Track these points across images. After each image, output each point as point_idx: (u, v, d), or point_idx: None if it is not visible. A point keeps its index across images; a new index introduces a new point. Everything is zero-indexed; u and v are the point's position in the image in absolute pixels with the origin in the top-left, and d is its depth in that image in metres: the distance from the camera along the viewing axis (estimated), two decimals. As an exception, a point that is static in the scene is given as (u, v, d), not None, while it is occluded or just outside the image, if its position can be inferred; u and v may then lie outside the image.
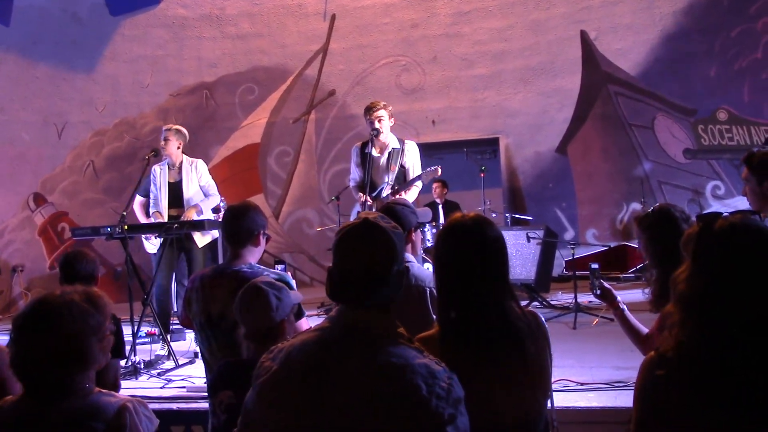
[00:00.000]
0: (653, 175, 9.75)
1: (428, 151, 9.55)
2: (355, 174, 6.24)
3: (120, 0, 10.92)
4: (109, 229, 5.59)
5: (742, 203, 7.63)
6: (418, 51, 10.75)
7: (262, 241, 3.44)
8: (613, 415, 3.49)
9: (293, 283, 3.26)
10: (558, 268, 8.47)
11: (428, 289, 2.98)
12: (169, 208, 6.32)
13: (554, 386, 2.71)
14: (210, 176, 6.52)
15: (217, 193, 6.49)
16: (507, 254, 2.18)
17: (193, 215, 6.16)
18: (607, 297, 3.32)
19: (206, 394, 2.76)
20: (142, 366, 5.07)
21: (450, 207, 9.36)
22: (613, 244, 9.41)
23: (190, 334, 4.87)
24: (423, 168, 6.16)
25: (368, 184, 5.84)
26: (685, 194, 9.49)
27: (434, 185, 9.57)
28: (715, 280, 1.65)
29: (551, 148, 10.23)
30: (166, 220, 6.18)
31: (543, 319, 2.22)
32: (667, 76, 9.68)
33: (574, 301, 6.27)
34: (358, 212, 5.75)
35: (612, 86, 9.98)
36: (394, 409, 1.67)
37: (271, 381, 1.81)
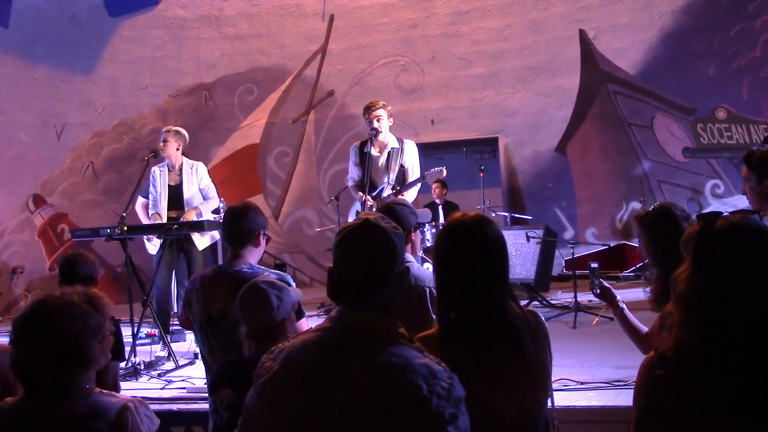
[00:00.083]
0: (652, 174, 9.75)
1: (427, 151, 9.56)
2: (353, 173, 6.24)
3: (118, 1, 10.93)
4: (108, 231, 5.59)
5: (741, 202, 7.63)
6: (416, 51, 10.75)
7: (263, 241, 3.44)
8: (613, 414, 3.50)
9: (293, 284, 3.26)
10: (558, 267, 8.47)
11: (428, 289, 2.98)
12: (168, 210, 6.32)
13: (554, 385, 2.71)
14: (210, 179, 6.52)
15: (216, 196, 6.49)
16: (507, 254, 2.18)
17: (192, 217, 6.16)
18: (607, 296, 3.31)
19: (206, 395, 2.76)
20: (142, 367, 5.07)
21: (449, 208, 9.36)
22: (612, 243, 9.41)
23: (190, 335, 4.87)
24: (422, 167, 6.16)
25: (368, 184, 5.84)
26: (685, 193, 9.49)
27: (434, 186, 9.58)
28: (715, 279, 1.65)
29: (550, 148, 10.23)
30: (165, 222, 6.19)
31: (543, 318, 2.22)
32: (666, 75, 9.68)
33: (573, 300, 6.27)
34: (358, 212, 5.79)
35: (611, 85, 9.98)
36: (395, 409, 1.67)
37: (271, 381, 1.81)
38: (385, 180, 6.02)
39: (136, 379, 4.91)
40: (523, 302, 2.18)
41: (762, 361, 1.58)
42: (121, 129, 11.02)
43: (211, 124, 11.08)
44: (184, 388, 4.57)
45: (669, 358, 1.68)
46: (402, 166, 6.04)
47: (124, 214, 5.64)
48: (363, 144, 6.14)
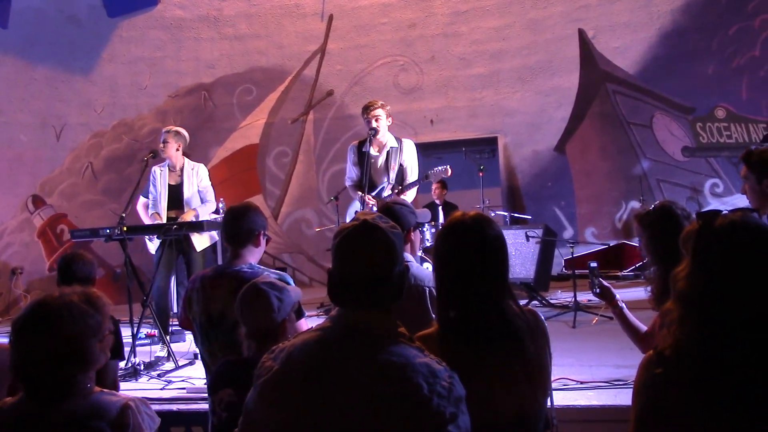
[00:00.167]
0: (652, 174, 9.75)
1: (427, 151, 9.56)
2: (351, 173, 6.22)
3: (117, 1, 10.92)
4: (108, 231, 5.59)
5: (740, 201, 7.64)
6: (415, 51, 10.75)
7: (263, 241, 3.44)
8: (612, 414, 3.50)
9: (293, 284, 3.26)
10: (557, 266, 8.47)
11: (427, 289, 2.98)
12: (168, 209, 6.31)
13: (554, 385, 2.72)
14: (210, 183, 6.50)
15: (214, 200, 6.47)
16: (507, 253, 2.18)
17: (190, 218, 6.16)
18: (607, 295, 3.32)
19: (206, 395, 2.76)
20: (142, 367, 5.07)
21: (449, 208, 9.36)
22: (612, 243, 9.41)
23: (190, 336, 4.87)
24: (420, 167, 6.15)
25: (367, 183, 5.84)
26: (684, 192, 9.49)
27: (434, 186, 9.57)
28: (714, 277, 1.65)
29: (550, 147, 10.23)
30: (164, 221, 6.18)
31: (542, 317, 2.22)
32: (665, 74, 9.68)
33: (573, 299, 6.27)
34: (357, 212, 5.79)
35: (610, 85, 9.98)
36: (396, 408, 1.67)
37: (272, 381, 1.81)
38: (385, 180, 6.02)
39: (136, 380, 4.91)
40: (522, 302, 2.19)
41: (761, 359, 1.58)
42: (120, 129, 11.01)
43: (210, 125, 11.07)
44: (183, 388, 4.56)
45: (668, 357, 1.68)
46: (401, 165, 6.03)
47: (124, 215, 5.63)
48: (361, 144, 6.13)
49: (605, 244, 9.32)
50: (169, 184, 6.35)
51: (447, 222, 2.25)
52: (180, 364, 5.27)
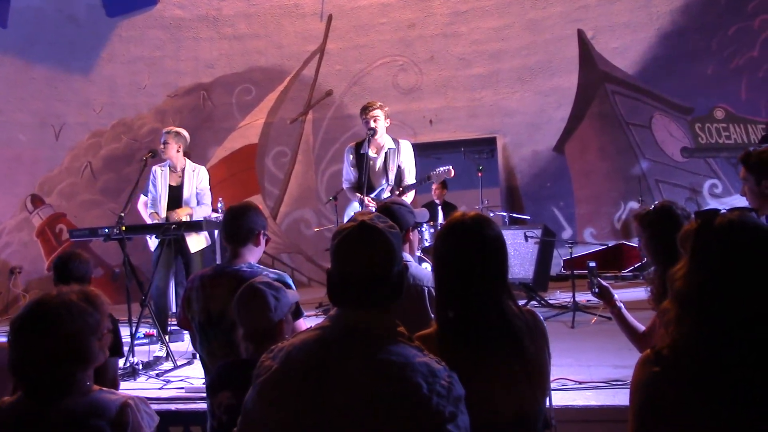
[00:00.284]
0: (651, 174, 9.75)
1: (426, 151, 9.56)
2: (349, 175, 6.21)
3: (117, 1, 10.92)
4: (107, 231, 5.58)
5: (739, 202, 7.64)
6: (415, 51, 10.75)
7: (262, 241, 3.44)
8: (611, 414, 3.50)
9: (292, 284, 3.26)
10: (556, 267, 8.46)
11: (426, 289, 2.98)
12: (167, 210, 6.31)
13: (553, 385, 2.72)
14: (209, 186, 6.48)
15: (210, 204, 6.46)
16: (507, 253, 2.18)
17: (184, 215, 6.15)
18: (605, 295, 3.32)
19: (205, 394, 2.76)
20: (141, 367, 5.07)
21: (448, 208, 9.36)
22: (611, 243, 9.41)
23: (189, 335, 4.88)
24: (417, 167, 6.15)
25: (365, 185, 5.83)
26: (683, 193, 9.49)
27: (434, 186, 9.56)
28: (712, 276, 1.65)
29: (549, 147, 10.23)
30: (163, 221, 6.18)
31: (541, 318, 2.23)
32: (665, 74, 9.68)
33: (572, 300, 6.27)
34: (355, 213, 5.78)
35: (609, 85, 9.98)
36: (395, 407, 1.68)
37: (271, 380, 1.81)
38: (384, 181, 6.01)
39: (135, 379, 4.91)
40: (521, 302, 2.19)
41: (759, 358, 1.58)
42: (119, 129, 11.01)
43: (209, 124, 11.07)
44: (182, 388, 4.56)
45: (666, 356, 1.68)
46: (399, 166, 6.03)
47: (123, 214, 5.63)
48: (358, 145, 6.13)
49: (604, 245, 9.32)
50: (169, 185, 6.35)
51: (447, 222, 2.25)
52: (178, 363, 5.27)
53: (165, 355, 5.44)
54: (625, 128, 9.92)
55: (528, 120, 10.30)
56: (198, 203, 6.36)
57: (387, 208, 3.19)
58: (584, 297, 6.55)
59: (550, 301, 7.22)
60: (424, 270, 3.23)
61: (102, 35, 10.95)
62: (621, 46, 9.92)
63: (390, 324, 1.84)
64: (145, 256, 6.75)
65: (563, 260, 8.90)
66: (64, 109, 10.80)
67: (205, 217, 6.26)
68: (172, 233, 5.71)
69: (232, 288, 3.00)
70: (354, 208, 6.15)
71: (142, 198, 6.53)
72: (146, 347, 5.74)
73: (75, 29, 10.81)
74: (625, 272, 8.86)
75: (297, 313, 3.06)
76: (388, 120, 6.05)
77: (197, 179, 6.39)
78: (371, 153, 6.00)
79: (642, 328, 3.22)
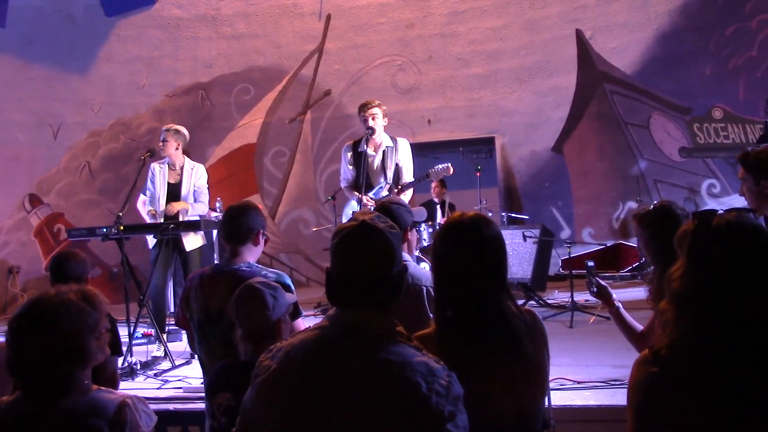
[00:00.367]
0: (649, 174, 9.76)
1: (424, 151, 9.56)
2: (347, 174, 6.19)
3: (115, 1, 10.91)
4: (105, 230, 5.58)
5: (737, 202, 7.65)
6: (413, 51, 10.76)
7: (261, 240, 3.43)
8: (609, 414, 3.50)
9: (291, 283, 3.26)
10: (554, 267, 8.47)
11: (425, 288, 2.98)
12: (166, 207, 6.30)
13: (551, 385, 2.72)
14: (207, 185, 6.47)
15: (207, 203, 6.45)
16: (506, 253, 2.18)
17: (179, 208, 6.14)
18: (604, 295, 3.32)
19: (203, 394, 2.76)
20: (139, 367, 5.06)
21: (447, 207, 9.36)
22: (609, 243, 9.42)
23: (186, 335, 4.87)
24: (416, 167, 6.15)
25: (364, 183, 5.82)
26: (681, 193, 9.50)
27: (433, 185, 9.56)
28: (710, 277, 1.65)
29: (547, 147, 10.24)
30: (162, 219, 6.18)
31: (540, 317, 2.23)
32: (663, 74, 9.69)
33: (570, 299, 6.27)
34: (354, 212, 5.78)
35: (607, 85, 9.99)
36: (394, 407, 1.67)
37: (270, 380, 1.80)
38: (382, 180, 6.01)
39: (133, 379, 4.90)
40: (519, 302, 2.19)
41: (757, 358, 1.58)
42: (117, 128, 11.00)
43: (207, 124, 11.07)
44: (180, 387, 4.56)
45: (664, 356, 1.68)
46: (396, 164, 6.03)
47: (121, 214, 5.62)
48: (356, 144, 6.12)
49: (602, 245, 9.33)
50: (168, 182, 6.34)
51: (446, 222, 2.25)
52: (177, 363, 5.26)
53: (163, 354, 5.44)
54: (624, 128, 9.93)
55: (526, 120, 10.31)
56: (195, 200, 6.35)
57: (385, 208, 3.19)
58: (582, 297, 6.55)
59: (549, 301, 7.22)
60: (422, 269, 3.22)
61: (100, 35, 10.95)
62: (619, 46, 9.93)
63: (389, 324, 1.84)
64: (144, 256, 6.74)
65: (561, 260, 8.91)
66: (62, 108, 10.79)
67: (202, 216, 6.25)
68: (170, 233, 5.70)
69: (230, 287, 3.00)
70: (352, 206, 6.14)
71: (142, 197, 6.52)
72: (144, 347, 5.73)
73: (73, 29, 10.81)
74: (623, 272, 8.87)
75: (295, 313, 3.06)
76: (386, 119, 6.05)
77: (195, 177, 6.38)
78: (369, 151, 6.00)
79: (640, 327, 3.22)
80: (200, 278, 3.34)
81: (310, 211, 10.91)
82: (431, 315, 2.33)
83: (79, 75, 10.87)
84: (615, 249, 9.36)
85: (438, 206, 9.39)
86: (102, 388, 2.11)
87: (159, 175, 6.34)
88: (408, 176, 6.04)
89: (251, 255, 3.40)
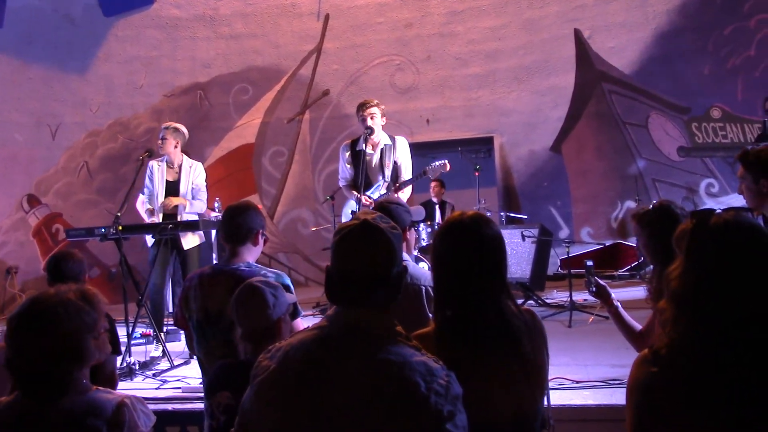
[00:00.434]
0: (647, 173, 9.77)
1: (423, 150, 9.56)
2: (345, 173, 6.18)
3: (113, 1, 10.90)
4: (103, 230, 5.57)
5: (736, 201, 7.66)
6: (412, 50, 10.76)
7: (261, 241, 3.43)
8: (608, 413, 3.50)
9: (290, 283, 3.25)
10: (553, 266, 8.47)
11: (423, 288, 2.98)
12: (164, 200, 6.28)
13: (550, 384, 2.72)
14: (205, 183, 6.45)
15: (205, 201, 6.43)
16: (505, 252, 2.18)
17: (177, 202, 6.13)
18: (602, 294, 3.32)
19: (201, 394, 2.75)
20: (137, 367, 5.06)
21: (446, 207, 9.36)
22: (607, 243, 9.42)
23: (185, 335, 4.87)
24: (414, 166, 6.14)
25: (362, 182, 5.82)
26: (680, 192, 9.51)
27: (432, 184, 9.56)
28: (708, 276, 1.64)
29: (545, 147, 10.25)
30: (160, 213, 6.16)
31: (540, 317, 2.22)
32: (661, 74, 9.70)
33: (569, 299, 6.27)
34: (353, 212, 5.77)
35: (606, 84, 10.00)
36: (393, 406, 1.67)
37: (269, 380, 1.80)
38: (380, 178, 6.00)
39: (131, 379, 4.90)
40: (518, 301, 2.19)
41: (755, 358, 1.58)
42: (115, 128, 11.00)
43: (206, 124, 11.06)
44: (179, 387, 4.56)
45: (663, 356, 1.68)
46: (395, 163, 6.02)
47: (119, 214, 5.62)
48: (354, 143, 6.12)
49: (601, 244, 9.34)
50: (166, 180, 6.32)
51: (445, 222, 2.25)
52: (175, 363, 5.26)
53: (161, 354, 5.43)
54: (622, 128, 9.93)
55: (525, 119, 10.31)
56: (193, 198, 6.34)
57: (383, 207, 3.18)
58: (581, 296, 6.54)
59: (547, 301, 7.22)
60: (421, 269, 3.22)
61: (99, 35, 10.94)
62: (617, 45, 9.94)
63: (389, 324, 1.84)
64: (142, 256, 6.73)
65: (560, 259, 8.91)
66: (61, 108, 10.78)
67: (200, 216, 6.24)
68: (169, 233, 5.70)
69: (230, 287, 3.00)
70: (351, 206, 6.13)
71: (141, 197, 6.51)
72: (143, 347, 5.72)
73: (71, 29, 10.80)
74: (622, 271, 8.87)
75: (295, 313, 3.06)
76: (384, 118, 6.04)
77: (194, 175, 6.37)
78: (367, 149, 5.99)
79: (639, 327, 3.22)
80: (199, 278, 3.34)
81: (308, 211, 10.91)
82: (430, 315, 2.33)
83: (77, 75, 10.86)
84: (614, 248, 9.36)
85: (437, 206, 9.39)
86: (100, 388, 2.11)
87: (157, 172, 6.32)
88: (407, 174, 6.03)
89: (251, 255, 3.40)
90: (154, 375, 5.01)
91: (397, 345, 1.78)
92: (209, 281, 3.29)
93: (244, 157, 11.08)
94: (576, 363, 4.46)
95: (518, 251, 7.20)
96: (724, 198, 9.29)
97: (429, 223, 7.13)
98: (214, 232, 6.71)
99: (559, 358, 4.37)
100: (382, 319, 1.83)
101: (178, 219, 6.10)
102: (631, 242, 8.93)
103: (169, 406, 4.10)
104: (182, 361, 5.33)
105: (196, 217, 6.16)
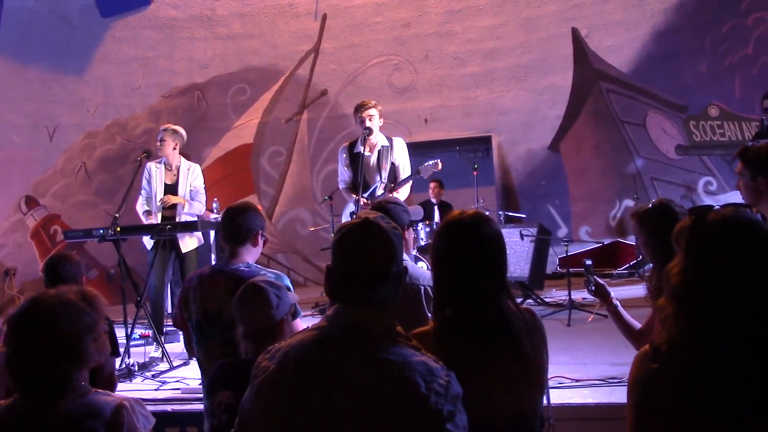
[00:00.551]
0: (645, 172, 9.77)
1: (421, 150, 9.55)
2: (344, 175, 6.18)
3: (110, 1, 10.89)
4: (101, 232, 5.56)
5: (734, 199, 7.65)
6: (409, 50, 10.76)
7: (261, 241, 3.42)
8: (608, 412, 3.50)
9: (290, 284, 3.25)
10: (551, 265, 8.47)
11: (422, 288, 2.98)
12: (163, 208, 6.28)
13: (549, 383, 2.72)
14: (203, 185, 6.44)
15: (204, 203, 6.43)
16: (505, 251, 2.17)
17: (175, 201, 6.13)
18: (601, 293, 3.32)
19: (201, 395, 2.75)
20: (136, 368, 5.05)
21: (445, 207, 9.36)
22: (606, 241, 9.42)
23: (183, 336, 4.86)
24: (412, 166, 6.14)
25: (361, 183, 5.81)
26: (678, 190, 9.52)
27: (431, 184, 9.56)
28: (707, 272, 1.64)
29: (544, 146, 10.25)
30: (159, 220, 6.16)
31: (539, 317, 2.22)
32: (659, 72, 9.70)
33: (568, 298, 6.27)
34: (353, 213, 5.77)
35: (604, 83, 10.00)
36: (393, 406, 1.67)
37: (269, 381, 1.80)
38: (378, 179, 6.00)
39: (130, 380, 4.89)
40: (517, 300, 2.18)
41: (754, 354, 1.58)
42: (113, 129, 10.99)
43: (204, 124, 11.05)
44: (178, 388, 4.56)
45: (663, 352, 1.68)
46: (393, 164, 6.02)
47: (117, 215, 5.61)
48: (352, 145, 6.12)
49: (599, 243, 9.33)
50: (165, 183, 6.31)
51: (445, 220, 2.24)
52: (174, 364, 5.26)
53: (160, 356, 5.42)
54: (620, 126, 9.94)
55: (523, 118, 10.31)
56: (192, 198, 6.33)
57: (382, 207, 3.17)
58: (580, 295, 6.55)
59: (546, 300, 7.23)
60: (420, 269, 3.22)
61: (96, 36, 10.93)
62: (615, 44, 9.94)
63: (389, 323, 1.84)
64: (141, 258, 6.72)
65: (559, 258, 8.90)
66: (58, 110, 10.77)
67: (199, 217, 6.24)
68: (167, 234, 5.69)
69: (229, 287, 2.99)
70: (351, 208, 6.13)
71: (140, 199, 6.50)
72: (142, 348, 5.72)
73: (68, 30, 10.79)
74: (620, 270, 8.87)
75: (294, 313, 3.05)
76: (382, 119, 6.04)
77: (192, 177, 6.36)
78: (366, 152, 5.99)
79: (638, 325, 3.21)
80: (199, 278, 3.33)
81: (307, 211, 10.90)
82: (429, 315, 2.33)
83: (74, 76, 10.85)
84: (612, 247, 9.35)
85: (436, 207, 9.39)
86: (99, 390, 2.10)
87: (155, 175, 6.31)
88: (405, 175, 6.03)
89: (250, 256, 3.39)
90: (153, 376, 5.01)
91: (397, 345, 1.77)
92: (209, 282, 3.28)
93: (242, 157, 11.08)
94: (575, 362, 4.46)
95: (517, 250, 7.20)
96: (722, 196, 9.29)
97: (428, 222, 7.13)
98: (212, 233, 6.69)
99: (559, 356, 4.37)
100: (381, 318, 1.83)
101: (177, 220, 6.09)
102: (630, 241, 8.94)
103: (169, 407, 4.10)
104: (181, 362, 5.32)
105: (194, 218, 6.15)
